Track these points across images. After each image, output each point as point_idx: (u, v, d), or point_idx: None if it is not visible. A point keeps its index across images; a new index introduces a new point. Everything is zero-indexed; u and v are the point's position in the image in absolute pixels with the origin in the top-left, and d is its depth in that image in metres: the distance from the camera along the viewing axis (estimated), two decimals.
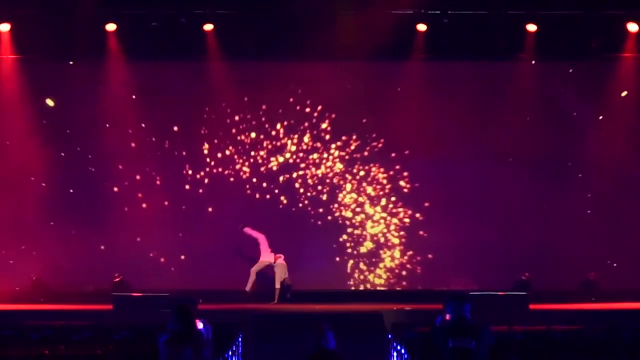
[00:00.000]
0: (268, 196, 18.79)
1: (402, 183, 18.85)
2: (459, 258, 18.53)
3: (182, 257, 18.38)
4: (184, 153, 18.74)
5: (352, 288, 18.62)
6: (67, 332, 11.89)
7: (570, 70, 18.82)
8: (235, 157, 18.81)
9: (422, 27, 18.05)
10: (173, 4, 17.52)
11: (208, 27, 18.01)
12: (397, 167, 18.85)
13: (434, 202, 18.81)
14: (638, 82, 18.63)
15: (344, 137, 18.83)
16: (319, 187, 18.81)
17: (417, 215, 18.82)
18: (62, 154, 18.68)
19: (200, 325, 8.83)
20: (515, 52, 18.32)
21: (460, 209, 18.69)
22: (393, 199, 18.85)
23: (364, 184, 18.88)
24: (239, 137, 18.82)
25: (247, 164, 18.81)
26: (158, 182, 18.59)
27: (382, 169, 18.88)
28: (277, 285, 17.43)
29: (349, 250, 18.76)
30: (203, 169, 18.80)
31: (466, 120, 18.78)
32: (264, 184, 18.79)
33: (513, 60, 18.56)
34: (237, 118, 18.77)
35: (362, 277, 18.72)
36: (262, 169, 18.83)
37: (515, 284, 17.98)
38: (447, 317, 8.34)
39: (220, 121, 18.81)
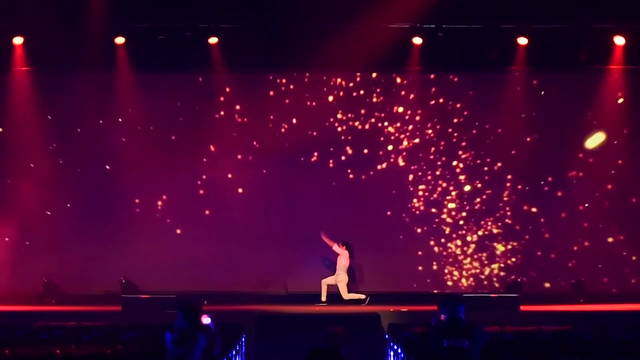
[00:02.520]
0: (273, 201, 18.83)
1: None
2: (455, 261, 18.61)
3: (188, 260, 18.33)
4: (190, 160, 18.76)
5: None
6: (78, 332, 11.91)
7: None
8: (238, 162, 18.81)
9: (417, 40, 18.12)
10: (179, 18, 17.57)
11: (212, 40, 18.09)
12: (391, 174, 18.83)
13: (430, 206, 18.81)
14: (625, 93, 18.67)
15: (347, 147, 18.85)
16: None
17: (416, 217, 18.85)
18: (73, 161, 18.71)
19: (207, 320, 8.84)
20: (507, 64, 18.37)
21: (455, 213, 18.76)
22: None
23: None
24: (241, 142, 18.83)
25: (250, 169, 18.81)
26: (165, 189, 18.60)
27: (378, 176, 18.87)
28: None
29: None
30: (208, 173, 18.81)
31: (461, 128, 18.84)
32: (266, 189, 18.81)
33: (505, 72, 18.62)
34: (240, 125, 18.80)
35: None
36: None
37: (507, 286, 18.05)
38: (442, 317, 8.37)
39: (224, 128, 18.84)
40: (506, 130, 18.76)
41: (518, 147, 18.79)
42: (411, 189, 18.83)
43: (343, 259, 17.38)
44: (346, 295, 17.29)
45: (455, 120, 18.83)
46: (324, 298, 17.31)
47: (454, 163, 18.86)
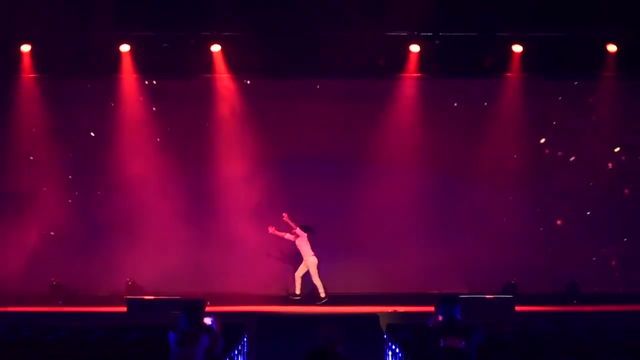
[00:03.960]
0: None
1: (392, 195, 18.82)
2: (452, 263, 18.58)
3: (192, 262, 18.32)
4: (194, 164, 18.75)
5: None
6: (83, 332, 11.89)
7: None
8: (242, 166, 18.79)
9: (415, 48, 18.10)
10: (183, 26, 17.59)
11: (215, 47, 18.10)
12: (389, 180, 18.78)
13: (427, 211, 18.78)
14: (617, 99, 18.68)
15: (347, 151, 18.81)
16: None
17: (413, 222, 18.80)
18: (77, 164, 18.71)
19: (209, 320, 8.83)
20: (503, 71, 18.36)
21: (452, 217, 18.73)
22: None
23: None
24: (244, 148, 18.80)
25: (253, 174, 18.77)
26: (171, 193, 18.57)
27: (376, 180, 18.85)
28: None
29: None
30: (211, 178, 18.79)
31: (457, 135, 18.83)
32: (268, 193, 18.77)
33: (501, 79, 18.61)
34: (242, 130, 18.80)
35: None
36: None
37: (503, 288, 18.02)
38: (439, 318, 8.36)
39: (228, 134, 18.84)
40: (500, 135, 18.81)
41: (511, 153, 18.85)
42: (414, 193, 18.79)
43: (303, 242, 17.47)
44: (316, 279, 17.36)
45: (451, 126, 18.84)
46: (298, 291, 17.44)
47: (448, 167, 18.83)
